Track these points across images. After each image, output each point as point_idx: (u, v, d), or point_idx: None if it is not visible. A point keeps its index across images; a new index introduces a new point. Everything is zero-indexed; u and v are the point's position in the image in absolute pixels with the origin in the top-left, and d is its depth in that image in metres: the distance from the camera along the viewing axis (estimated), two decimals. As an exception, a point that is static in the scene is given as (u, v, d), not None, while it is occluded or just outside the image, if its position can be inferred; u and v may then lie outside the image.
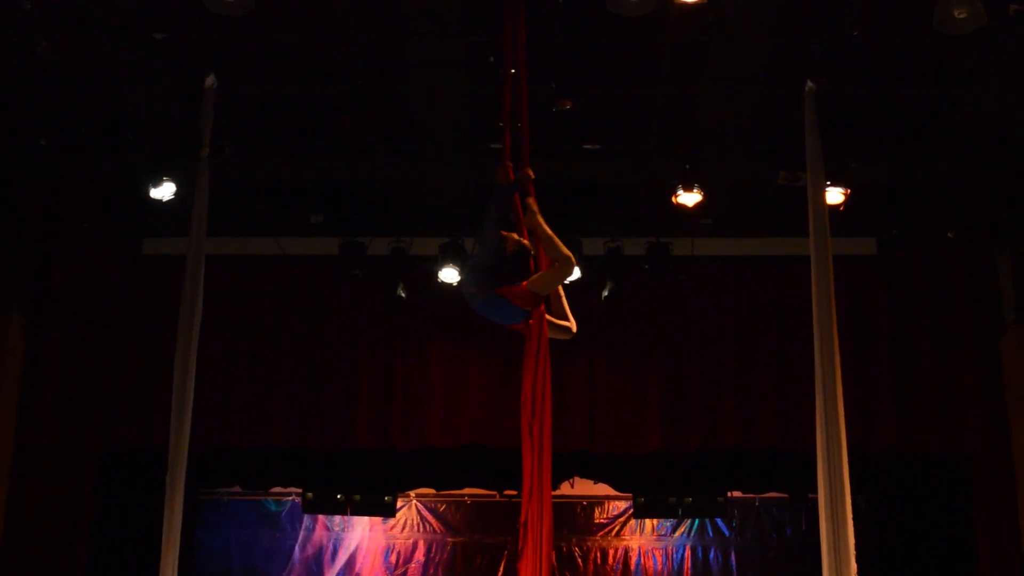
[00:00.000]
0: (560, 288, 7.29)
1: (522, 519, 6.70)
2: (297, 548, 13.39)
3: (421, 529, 13.54)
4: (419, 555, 13.45)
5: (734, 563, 13.36)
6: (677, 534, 13.49)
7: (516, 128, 7.58)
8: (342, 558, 13.39)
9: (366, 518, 13.06)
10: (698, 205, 10.70)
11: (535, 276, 7.04)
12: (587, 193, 11.50)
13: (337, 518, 13.27)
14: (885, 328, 11.54)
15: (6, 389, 11.03)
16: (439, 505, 13.53)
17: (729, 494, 12.08)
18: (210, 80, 9.23)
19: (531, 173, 7.20)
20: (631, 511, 12.74)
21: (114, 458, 11.44)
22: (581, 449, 11.54)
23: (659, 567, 13.38)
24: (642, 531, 13.48)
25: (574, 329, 7.35)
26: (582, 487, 12.66)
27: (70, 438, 11.24)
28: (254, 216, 11.61)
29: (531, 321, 6.95)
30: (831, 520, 8.21)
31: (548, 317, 7.11)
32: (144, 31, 9.43)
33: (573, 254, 11.03)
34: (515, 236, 7.09)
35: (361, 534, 13.44)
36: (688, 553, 13.44)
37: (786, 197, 10.71)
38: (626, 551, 13.45)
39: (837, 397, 8.41)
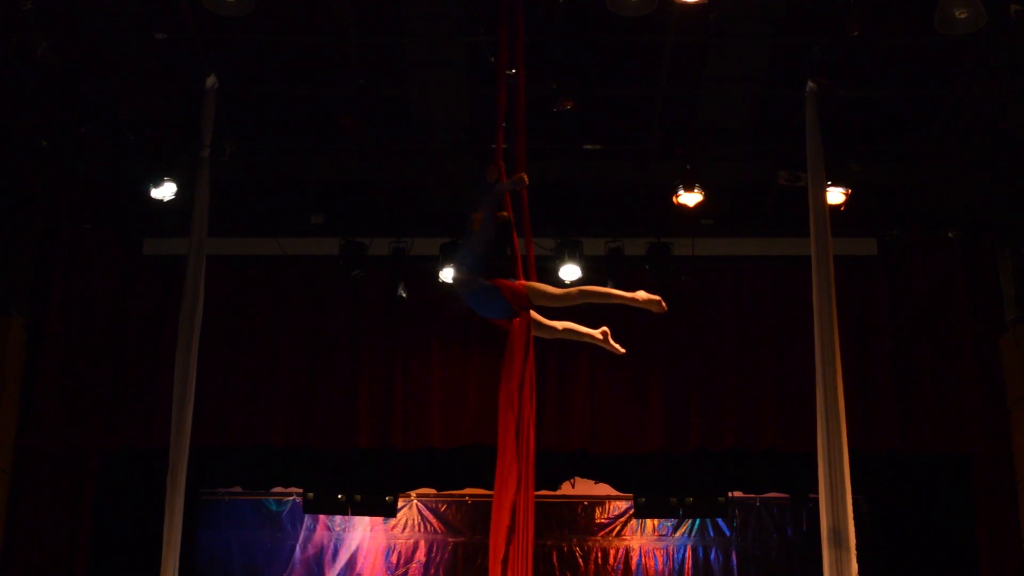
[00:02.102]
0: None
1: (507, 522, 6.70)
2: (298, 548, 13.37)
3: (422, 529, 13.52)
4: (420, 555, 13.43)
5: (735, 563, 13.34)
6: (678, 534, 13.47)
7: (513, 129, 7.57)
8: (343, 558, 13.38)
9: (367, 518, 13.04)
10: (699, 205, 10.70)
11: (538, 285, 7.06)
12: (588, 193, 11.52)
13: (338, 518, 13.25)
14: (885, 328, 11.54)
15: (7, 389, 11.03)
16: (440, 505, 13.52)
17: (730, 494, 12.06)
18: (211, 80, 9.25)
19: (525, 178, 7.21)
20: (632, 511, 12.72)
21: (114, 458, 11.44)
22: (582, 449, 11.55)
23: (660, 567, 13.36)
24: (643, 531, 13.46)
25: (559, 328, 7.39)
26: (583, 487, 12.65)
27: (71, 438, 11.25)
28: (255, 216, 11.62)
29: (517, 320, 6.95)
30: (832, 520, 8.22)
31: (535, 316, 7.13)
32: (144, 31, 9.44)
33: (574, 254, 11.19)
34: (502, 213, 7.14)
35: (362, 534, 13.43)
36: (689, 553, 13.42)
37: (787, 197, 10.73)
38: (627, 551, 13.43)
39: (838, 397, 8.42)
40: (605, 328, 7.45)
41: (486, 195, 7.08)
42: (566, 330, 7.38)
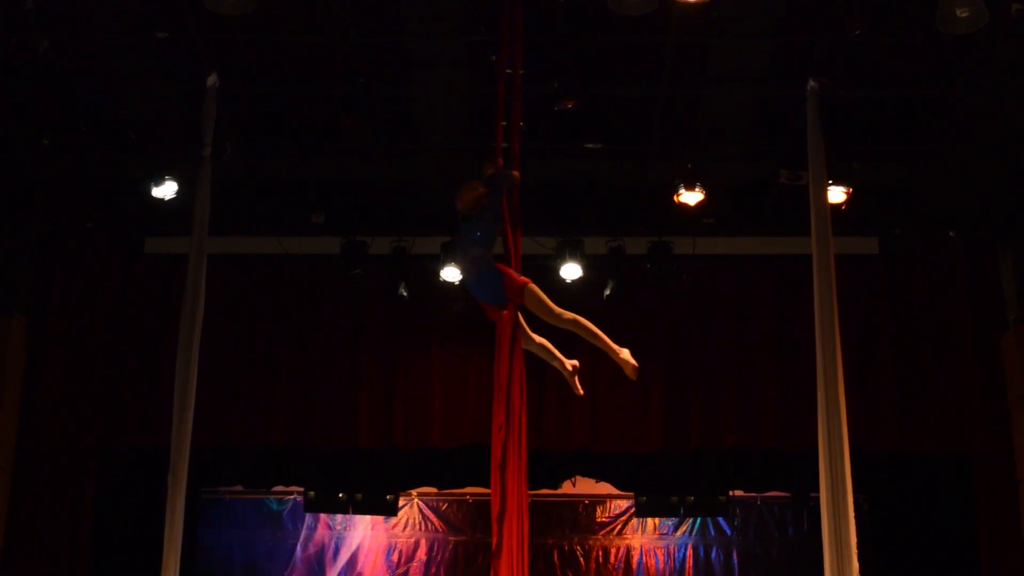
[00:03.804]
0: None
1: (495, 515, 6.73)
2: (299, 547, 13.38)
3: (423, 528, 13.53)
4: (421, 554, 13.44)
5: (736, 562, 13.35)
6: (679, 533, 13.48)
7: (510, 127, 7.57)
8: (344, 557, 13.38)
9: (368, 517, 13.05)
10: (700, 204, 10.70)
11: (539, 292, 7.07)
12: (589, 192, 11.51)
13: (339, 517, 13.26)
14: (886, 327, 11.54)
15: (8, 388, 11.04)
16: (441, 504, 13.52)
17: (731, 493, 12.07)
18: (212, 79, 9.24)
19: (516, 175, 7.20)
20: (633, 510, 12.73)
21: (115, 457, 11.45)
22: (583, 448, 11.55)
23: (661, 566, 13.37)
24: (644, 530, 13.47)
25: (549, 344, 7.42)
26: (584, 486, 12.65)
27: (72, 437, 11.25)
28: (256, 215, 11.62)
29: (505, 312, 6.97)
30: (833, 519, 8.23)
31: (522, 322, 7.16)
32: (145, 31, 9.44)
33: (575, 253, 11.19)
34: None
35: (363, 533, 13.44)
36: (690, 552, 13.43)
37: (788, 196, 10.72)
38: (628, 550, 13.44)
39: (839, 396, 8.42)
40: (576, 362, 7.47)
41: (499, 180, 7.08)
42: (541, 346, 7.41)
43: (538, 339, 7.37)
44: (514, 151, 7.38)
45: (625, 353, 7.27)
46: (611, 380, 11.50)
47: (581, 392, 7.55)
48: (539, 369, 10.83)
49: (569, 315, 7.19)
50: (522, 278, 7.03)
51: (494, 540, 6.65)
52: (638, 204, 11.48)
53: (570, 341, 7.52)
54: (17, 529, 10.97)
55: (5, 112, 10.33)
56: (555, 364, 7.48)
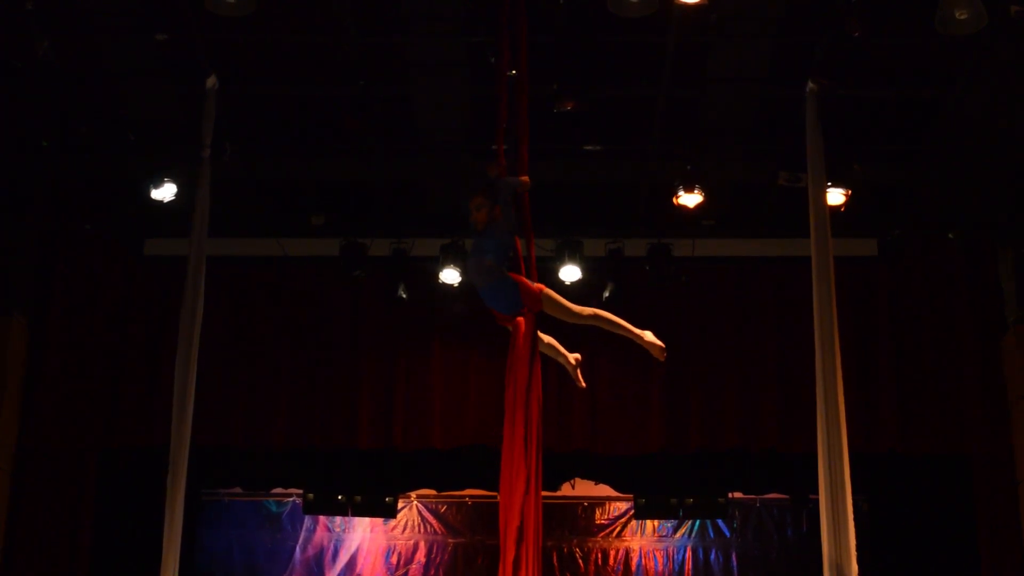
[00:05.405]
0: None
1: (516, 523, 6.66)
2: (298, 549, 13.38)
3: (422, 530, 13.53)
4: (420, 556, 13.44)
5: (735, 564, 13.35)
6: (678, 535, 13.47)
7: (515, 131, 7.55)
8: (343, 559, 13.38)
9: (367, 519, 13.04)
10: (699, 206, 10.70)
11: (555, 294, 7.04)
12: (588, 194, 11.53)
13: (338, 519, 13.26)
14: (886, 329, 11.54)
15: (8, 389, 11.03)
16: (440, 506, 13.52)
17: (730, 495, 12.08)
18: (212, 81, 9.25)
19: (527, 181, 7.18)
20: (632, 512, 12.73)
21: (115, 457, 11.45)
22: (582, 450, 11.55)
23: (660, 568, 13.37)
24: (643, 532, 13.46)
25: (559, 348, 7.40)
26: (583, 488, 12.67)
27: (71, 438, 11.25)
28: (255, 217, 11.63)
29: (522, 320, 6.92)
30: (832, 521, 8.22)
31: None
32: (145, 32, 9.44)
33: (574, 254, 11.17)
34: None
35: (362, 535, 13.43)
36: (689, 554, 13.43)
37: (787, 198, 10.72)
38: (627, 552, 13.44)
39: (838, 398, 8.41)
40: (579, 356, 7.45)
41: (502, 189, 7.01)
42: (549, 344, 7.38)
43: (546, 339, 7.35)
44: (522, 155, 7.35)
45: (649, 335, 7.20)
46: (611, 381, 11.54)
47: (584, 385, 7.52)
48: (539, 371, 10.86)
49: (588, 311, 7.15)
50: (536, 284, 7.00)
51: (511, 552, 6.56)
52: (637, 206, 11.49)
53: (573, 335, 7.51)
54: (17, 529, 10.96)
55: (5, 112, 10.33)
56: (560, 360, 7.46)
